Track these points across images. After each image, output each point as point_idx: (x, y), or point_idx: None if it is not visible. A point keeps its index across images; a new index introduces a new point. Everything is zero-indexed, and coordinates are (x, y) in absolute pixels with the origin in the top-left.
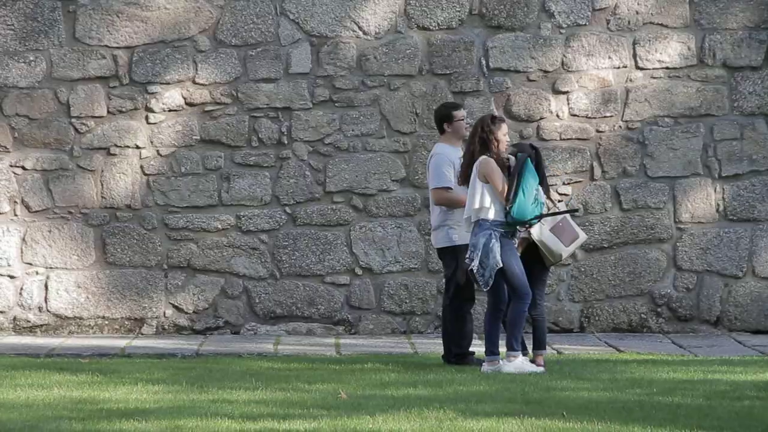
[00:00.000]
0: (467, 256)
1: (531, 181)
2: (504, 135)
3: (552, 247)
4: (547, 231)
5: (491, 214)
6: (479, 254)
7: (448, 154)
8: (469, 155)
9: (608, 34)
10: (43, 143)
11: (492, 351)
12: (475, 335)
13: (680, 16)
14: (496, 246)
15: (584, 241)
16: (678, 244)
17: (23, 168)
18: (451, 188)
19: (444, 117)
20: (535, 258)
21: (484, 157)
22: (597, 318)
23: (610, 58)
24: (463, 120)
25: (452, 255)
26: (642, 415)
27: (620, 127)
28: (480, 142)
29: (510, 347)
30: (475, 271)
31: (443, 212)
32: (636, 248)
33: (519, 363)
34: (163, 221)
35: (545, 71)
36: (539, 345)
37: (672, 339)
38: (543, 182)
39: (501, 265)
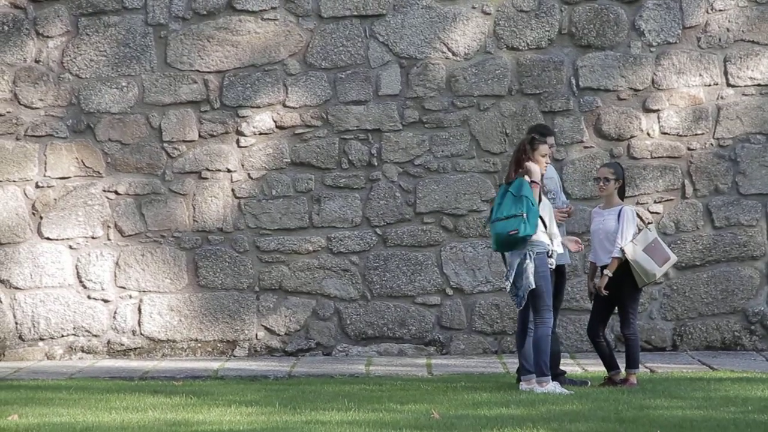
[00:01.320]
0: (505, 275)
1: (524, 201)
2: (544, 155)
3: (646, 267)
4: (641, 251)
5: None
6: (513, 274)
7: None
8: (508, 175)
9: (699, 52)
10: (136, 168)
11: (527, 369)
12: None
13: None
14: (530, 266)
15: (675, 262)
16: None
17: (116, 193)
18: None
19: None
20: (628, 277)
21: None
22: (690, 336)
23: (700, 75)
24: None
25: None
26: None
27: (712, 144)
28: (516, 162)
29: (540, 372)
30: (508, 290)
31: None
32: (728, 266)
33: (551, 388)
34: (254, 244)
35: (635, 90)
36: (632, 364)
37: (766, 356)
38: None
39: (533, 286)
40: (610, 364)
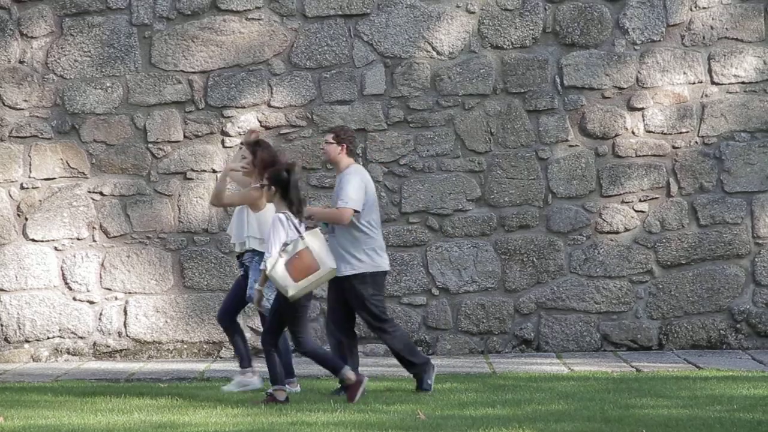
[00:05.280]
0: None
1: None
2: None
3: (280, 283)
4: (282, 265)
5: None
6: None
7: None
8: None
9: (683, 50)
10: (121, 169)
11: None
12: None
13: (755, 30)
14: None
15: (327, 273)
16: (756, 259)
17: (101, 194)
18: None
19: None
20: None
21: None
22: (676, 335)
23: (685, 73)
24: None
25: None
26: None
27: (696, 142)
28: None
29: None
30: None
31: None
32: (714, 264)
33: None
34: None
35: (620, 88)
36: (275, 379)
37: (752, 355)
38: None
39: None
40: (275, 378)
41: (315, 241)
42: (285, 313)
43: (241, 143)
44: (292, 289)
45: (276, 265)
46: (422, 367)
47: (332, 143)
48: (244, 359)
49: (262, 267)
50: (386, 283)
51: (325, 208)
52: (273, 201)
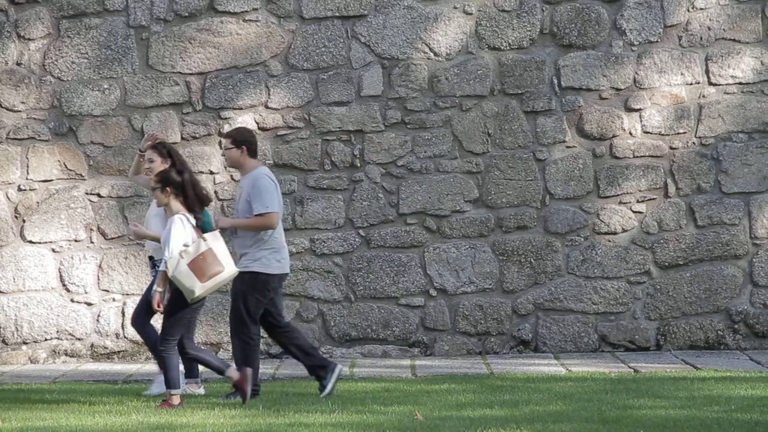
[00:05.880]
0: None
1: None
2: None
3: (186, 284)
4: (185, 265)
5: None
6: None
7: None
8: None
9: (680, 51)
10: (118, 170)
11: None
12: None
13: (753, 31)
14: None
15: (231, 275)
16: (754, 260)
17: (99, 195)
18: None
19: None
20: (177, 291)
21: None
22: (673, 336)
23: (682, 74)
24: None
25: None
26: None
27: (694, 143)
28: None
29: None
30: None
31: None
32: (712, 265)
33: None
34: None
35: (617, 89)
36: (168, 384)
37: (749, 356)
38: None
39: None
40: (169, 381)
41: (217, 243)
42: (179, 315)
43: (140, 150)
44: (199, 289)
45: (178, 265)
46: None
47: (231, 147)
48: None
49: (162, 268)
50: (384, 284)
51: (245, 219)
52: (167, 203)
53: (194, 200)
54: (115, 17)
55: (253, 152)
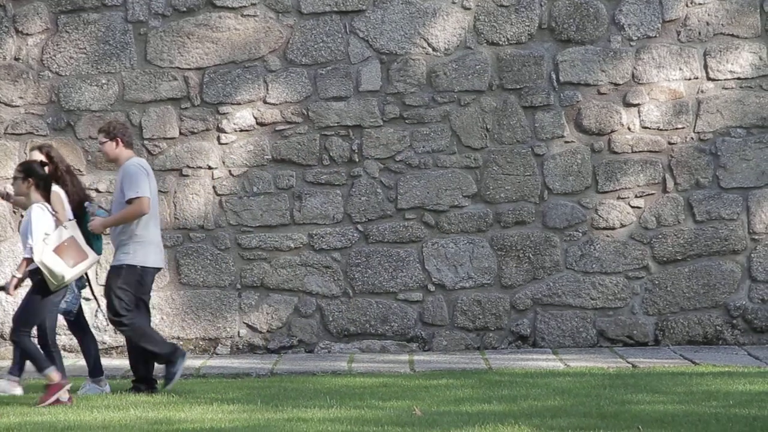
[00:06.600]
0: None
1: None
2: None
3: (54, 269)
4: (50, 252)
5: None
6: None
7: None
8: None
9: (678, 46)
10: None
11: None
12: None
13: (751, 26)
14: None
15: (94, 261)
16: (752, 255)
17: (97, 191)
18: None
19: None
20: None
21: None
22: (672, 331)
23: (680, 69)
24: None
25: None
26: (718, 428)
27: (692, 138)
28: None
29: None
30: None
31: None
32: (710, 260)
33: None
34: (236, 241)
35: (616, 84)
36: (16, 371)
37: (748, 351)
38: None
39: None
40: (38, 365)
41: (76, 231)
42: (40, 304)
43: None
44: (69, 273)
45: (44, 252)
46: (169, 356)
47: (106, 141)
48: (90, 360)
49: (27, 255)
50: (383, 279)
51: (115, 215)
52: (27, 193)
53: (70, 190)
54: (113, 12)
55: (127, 143)
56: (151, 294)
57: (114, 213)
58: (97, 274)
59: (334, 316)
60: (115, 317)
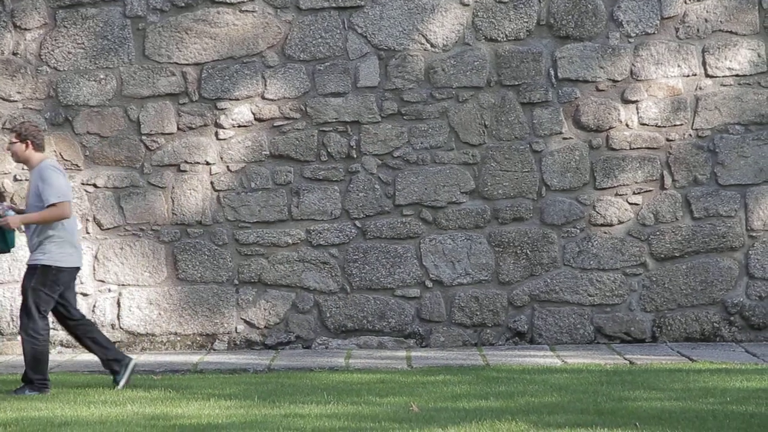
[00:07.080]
0: None
1: None
2: None
3: None
4: None
5: None
6: None
7: None
8: None
9: (677, 43)
10: (114, 161)
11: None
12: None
13: (750, 23)
14: None
15: None
16: (750, 252)
17: (95, 186)
18: None
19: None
20: None
21: None
22: (669, 327)
23: (679, 66)
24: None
25: None
26: (716, 425)
27: (690, 135)
28: None
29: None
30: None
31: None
32: (708, 257)
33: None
34: (233, 237)
35: (614, 81)
36: None
37: (745, 348)
38: None
39: None
40: None
41: None
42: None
43: None
44: None
45: None
46: (35, 386)
47: (16, 142)
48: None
49: None
50: (380, 275)
51: (36, 213)
52: None
53: None
54: (112, 7)
55: (38, 146)
56: (75, 290)
57: (29, 212)
58: (94, 270)
59: (331, 312)
60: (26, 319)
